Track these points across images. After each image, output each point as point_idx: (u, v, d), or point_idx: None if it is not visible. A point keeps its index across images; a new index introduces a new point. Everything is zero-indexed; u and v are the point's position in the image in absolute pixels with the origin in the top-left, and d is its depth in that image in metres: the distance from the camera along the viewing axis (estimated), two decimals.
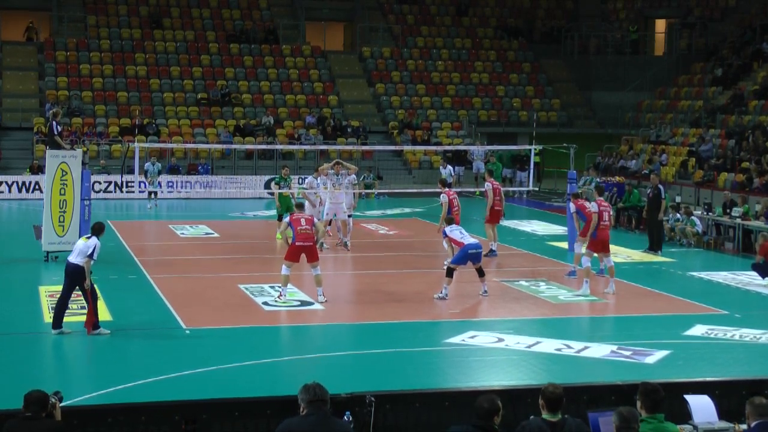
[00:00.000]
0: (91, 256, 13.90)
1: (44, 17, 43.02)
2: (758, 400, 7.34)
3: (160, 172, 31.76)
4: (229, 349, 13.54)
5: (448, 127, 40.82)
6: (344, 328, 15.22)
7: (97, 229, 14.40)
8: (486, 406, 6.98)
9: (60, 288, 14.22)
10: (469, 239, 17.10)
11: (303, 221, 16.46)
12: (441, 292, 16.82)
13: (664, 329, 14.91)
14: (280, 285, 16.56)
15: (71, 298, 16.22)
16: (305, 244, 16.31)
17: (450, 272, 16.88)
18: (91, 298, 13.90)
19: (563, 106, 43.77)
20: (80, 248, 14.04)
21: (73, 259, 14.04)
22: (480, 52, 45.49)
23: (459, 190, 31.75)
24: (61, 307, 14.09)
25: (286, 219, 17.01)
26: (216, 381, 11.91)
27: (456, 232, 17.38)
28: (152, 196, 30.76)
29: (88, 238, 14.21)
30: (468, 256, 16.89)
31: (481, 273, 17.14)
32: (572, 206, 19.25)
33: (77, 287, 14.04)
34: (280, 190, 23.04)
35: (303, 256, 16.39)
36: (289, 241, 16.57)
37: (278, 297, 16.53)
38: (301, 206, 17.61)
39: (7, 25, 42.68)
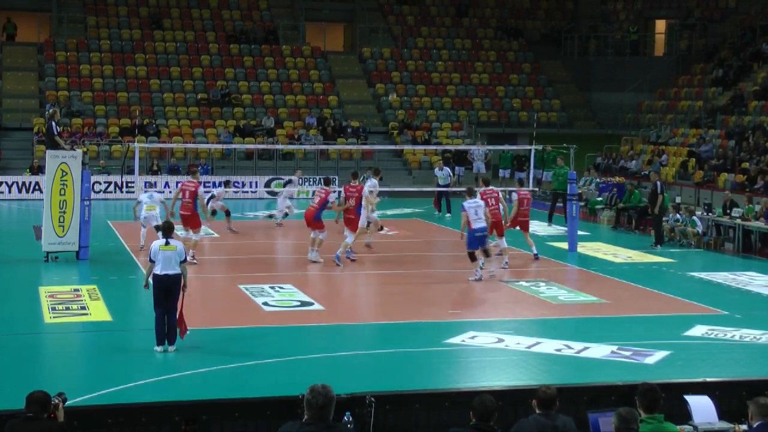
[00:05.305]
0: (186, 259, 13.34)
1: (44, 17, 43.00)
2: (763, 400, 7.32)
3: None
4: (230, 349, 13.54)
5: (448, 128, 40.80)
6: (344, 328, 15.20)
7: (168, 229, 13.43)
8: (484, 408, 6.99)
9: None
10: (478, 223, 18.19)
11: None
12: (475, 275, 18.24)
13: (664, 329, 14.91)
14: None
15: (72, 299, 16.24)
16: None
17: (472, 256, 18.25)
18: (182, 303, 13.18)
19: (563, 106, 43.74)
20: (170, 255, 13.01)
21: (171, 270, 12.96)
22: (480, 52, 45.46)
23: (458, 190, 31.76)
24: (165, 323, 13.04)
25: None
26: (216, 381, 11.91)
27: (472, 210, 18.24)
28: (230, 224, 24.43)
29: (167, 243, 13.07)
30: (476, 239, 18.18)
31: (486, 254, 18.48)
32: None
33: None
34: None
35: None
36: None
37: None
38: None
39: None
